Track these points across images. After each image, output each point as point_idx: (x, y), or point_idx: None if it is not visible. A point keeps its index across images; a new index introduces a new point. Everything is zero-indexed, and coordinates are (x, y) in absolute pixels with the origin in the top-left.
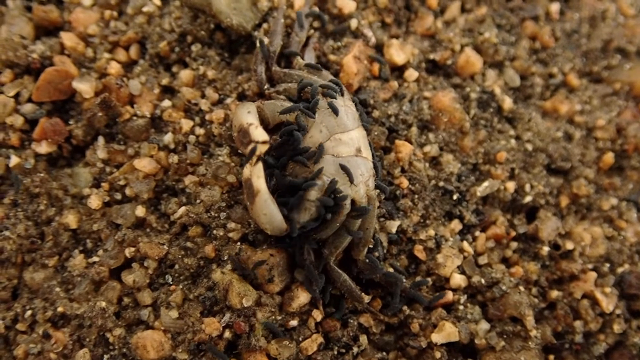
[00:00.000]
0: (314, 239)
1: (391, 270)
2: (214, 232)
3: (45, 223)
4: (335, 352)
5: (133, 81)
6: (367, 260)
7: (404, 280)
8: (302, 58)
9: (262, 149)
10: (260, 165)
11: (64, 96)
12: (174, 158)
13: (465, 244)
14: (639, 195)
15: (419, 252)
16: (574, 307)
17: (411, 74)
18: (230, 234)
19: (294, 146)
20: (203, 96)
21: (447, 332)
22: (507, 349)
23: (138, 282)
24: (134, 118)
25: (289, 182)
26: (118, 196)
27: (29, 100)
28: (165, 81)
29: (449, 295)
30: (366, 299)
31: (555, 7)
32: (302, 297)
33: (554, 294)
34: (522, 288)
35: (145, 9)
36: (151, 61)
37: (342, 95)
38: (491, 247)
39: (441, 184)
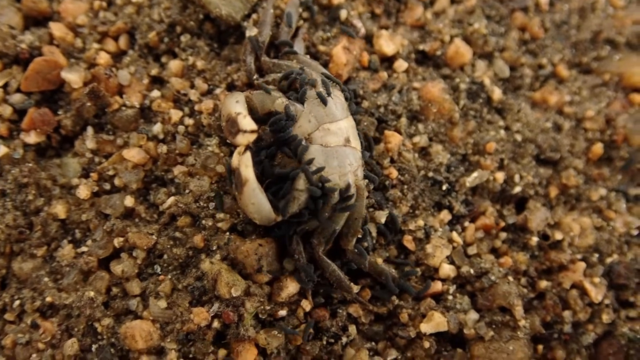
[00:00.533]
0: (302, 228)
1: (386, 264)
2: (203, 222)
3: (33, 213)
4: (325, 342)
5: (122, 71)
6: (356, 250)
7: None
8: (292, 48)
9: (250, 138)
10: (248, 154)
11: (52, 86)
12: (163, 148)
13: (455, 234)
14: (627, 186)
15: (408, 242)
16: (563, 297)
17: (401, 64)
18: (219, 224)
19: (281, 136)
20: (192, 86)
21: (436, 322)
22: (496, 338)
23: (127, 272)
24: (123, 108)
25: (277, 172)
26: (107, 186)
27: (18, 90)
28: (154, 71)
29: (438, 285)
30: (355, 289)
31: None
32: (291, 287)
33: (543, 284)
34: (511, 278)
35: (134, 0)
36: (140, 51)
37: (336, 85)
38: (480, 237)
39: (430, 174)
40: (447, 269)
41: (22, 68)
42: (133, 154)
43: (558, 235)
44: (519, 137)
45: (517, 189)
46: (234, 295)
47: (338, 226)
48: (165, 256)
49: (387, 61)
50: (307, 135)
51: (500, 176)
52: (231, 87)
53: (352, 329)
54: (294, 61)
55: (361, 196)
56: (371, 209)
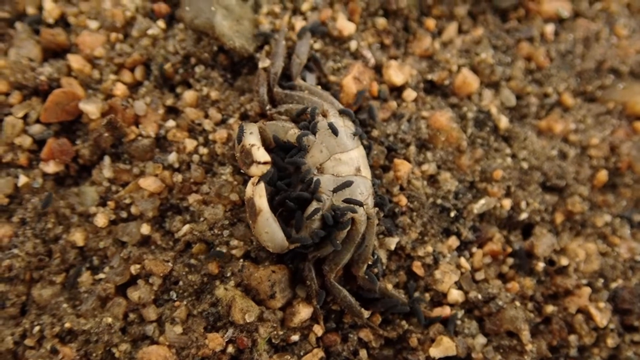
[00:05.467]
0: (314, 256)
1: (390, 286)
2: (218, 249)
3: (52, 241)
4: None
5: (138, 102)
6: (367, 277)
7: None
8: (304, 79)
9: (263, 169)
10: (262, 185)
11: (71, 117)
12: (178, 177)
13: (463, 260)
14: (632, 212)
15: (417, 268)
16: (569, 321)
17: (409, 94)
18: (233, 251)
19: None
20: (206, 116)
21: (444, 347)
22: None
23: (143, 298)
24: (139, 138)
25: (295, 197)
26: (124, 214)
27: (37, 121)
28: (169, 102)
29: (446, 310)
30: (366, 314)
31: (550, 29)
32: (303, 313)
33: (549, 308)
34: (518, 303)
35: (150, 32)
36: (156, 82)
37: (353, 119)
38: (488, 263)
39: (439, 201)
40: (455, 294)
41: (42, 99)
42: (149, 183)
43: (564, 261)
44: (525, 165)
45: (524, 216)
46: (248, 320)
47: (349, 253)
48: (180, 283)
49: (396, 91)
50: (319, 165)
51: (507, 203)
52: (244, 117)
53: (363, 353)
54: (305, 92)
55: (372, 224)
56: (381, 236)
